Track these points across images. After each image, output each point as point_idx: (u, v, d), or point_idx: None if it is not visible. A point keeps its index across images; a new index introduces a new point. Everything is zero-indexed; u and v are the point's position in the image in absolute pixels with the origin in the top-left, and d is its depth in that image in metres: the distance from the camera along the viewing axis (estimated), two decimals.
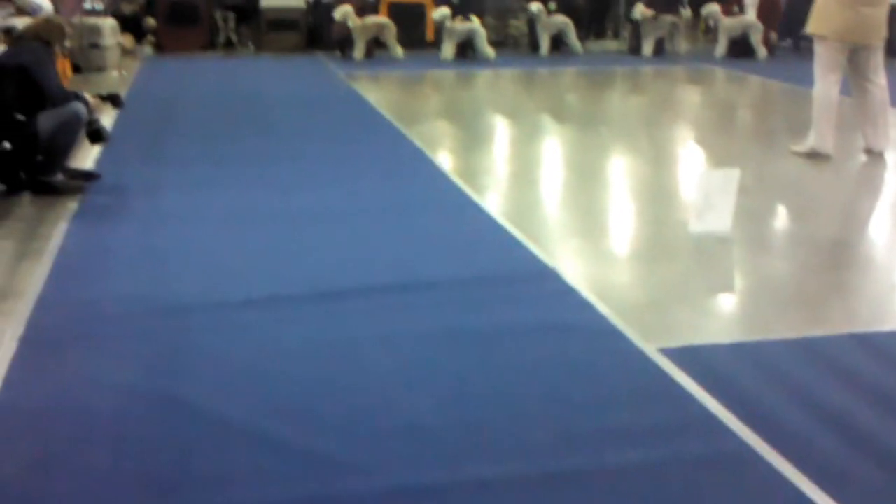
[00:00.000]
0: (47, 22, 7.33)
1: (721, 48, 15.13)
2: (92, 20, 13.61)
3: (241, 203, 6.73)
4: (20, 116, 6.75)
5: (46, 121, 6.75)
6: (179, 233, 6.04)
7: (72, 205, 6.63)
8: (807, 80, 8.49)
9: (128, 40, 15.00)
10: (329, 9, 15.15)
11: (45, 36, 7.01)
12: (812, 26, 8.19)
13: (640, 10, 15.28)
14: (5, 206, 6.61)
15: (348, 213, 6.49)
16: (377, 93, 11.85)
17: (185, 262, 5.48)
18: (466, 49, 15.00)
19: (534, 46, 15.76)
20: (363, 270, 5.32)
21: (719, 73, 14.02)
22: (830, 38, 8.01)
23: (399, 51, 14.84)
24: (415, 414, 3.72)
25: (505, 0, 17.00)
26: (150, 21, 15.76)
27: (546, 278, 5.24)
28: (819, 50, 8.16)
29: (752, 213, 6.47)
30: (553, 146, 9.29)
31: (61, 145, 6.88)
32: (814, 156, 8.17)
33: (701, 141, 9.39)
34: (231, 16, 16.36)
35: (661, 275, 5.43)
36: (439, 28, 14.91)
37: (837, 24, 7.95)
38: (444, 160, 8.19)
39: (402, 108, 10.70)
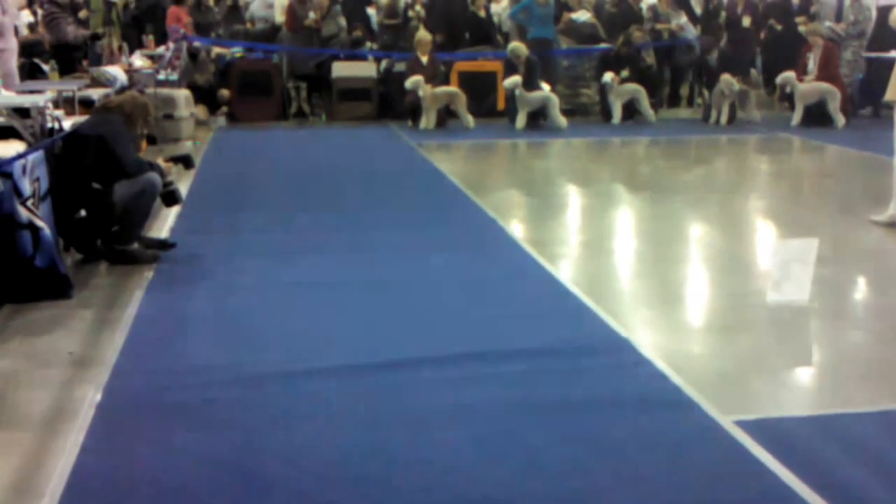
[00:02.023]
0: (133, 98, 7.49)
1: (797, 116, 14.94)
2: (166, 91, 13.86)
3: (314, 272, 6.77)
4: (97, 185, 6.88)
5: (122, 190, 6.87)
6: (254, 302, 6.08)
7: (148, 273, 6.72)
8: (886, 148, 8.37)
9: (202, 111, 15.24)
10: (400, 78, 15.32)
11: (127, 110, 7.15)
12: (891, 93, 8.09)
13: (727, 82, 15.08)
14: (83, 275, 6.72)
15: (421, 283, 6.51)
16: (449, 162, 11.90)
17: (260, 332, 5.52)
18: (538, 118, 15.03)
19: (605, 115, 15.76)
20: (436, 340, 5.31)
21: (795, 141, 13.86)
22: None
23: (470, 120, 14.92)
24: (489, 485, 3.70)
25: (576, 68, 17.04)
26: (224, 92, 16.03)
27: (620, 349, 5.20)
28: None
29: (830, 283, 6.37)
30: (626, 215, 9.25)
31: (137, 214, 7.00)
32: (894, 225, 8.03)
33: (777, 210, 9.30)
34: (303, 86, 16.57)
35: (736, 346, 5.37)
36: (510, 96, 14.97)
37: None
38: (517, 229, 8.19)
39: (474, 177, 10.73)
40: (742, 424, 4.18)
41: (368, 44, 17.18)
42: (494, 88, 15.93)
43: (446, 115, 15.15)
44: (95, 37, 13.69)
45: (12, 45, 11.32)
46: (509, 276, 6.68)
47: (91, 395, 4.58)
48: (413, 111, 15.08)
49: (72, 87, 10.48)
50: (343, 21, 16.95)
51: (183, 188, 8.43)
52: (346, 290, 6.33)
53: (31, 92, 9.19)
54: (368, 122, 15.80)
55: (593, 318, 5.73)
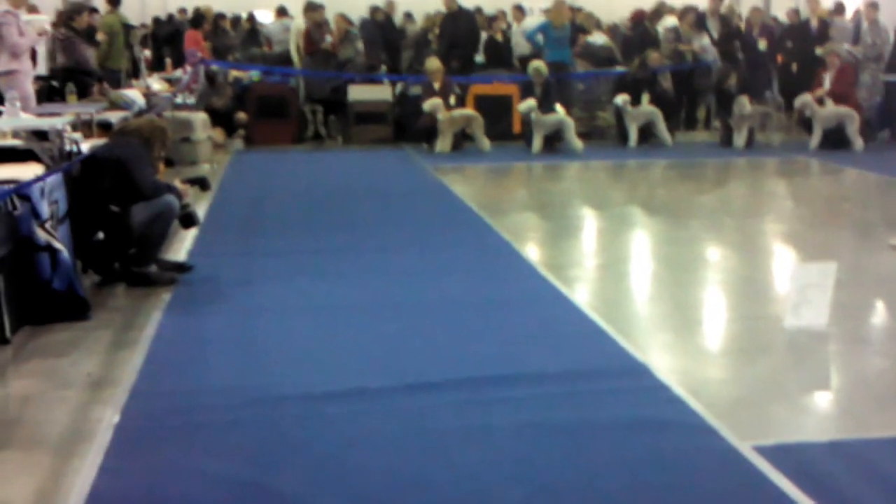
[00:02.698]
0: (151, 122, 7.56)
1: (816, 139, 14.88)
2: (183, 114, 13.92)
3: (330, 295, 6.79)
4: (115, 208, 6.92)
5: (140, 212, 6.91)
6: (270, 324, 6.10)
7: (165, 295, 6.74)
8: None
9: (219, 134, 15.29)
10: (416, 101, 15.36)
11: (146, 134, 7.19)
12: None
13: (741, 104, 15.04)
14: (101, 297, 6.74)
15: (435, 306, 6.50)
16: (464, 185, 11.91)
17: (276, 353, 5.53)
18: (553, 141, 15.02)
19: (622, 138, 15.73)
20: (451, 363, 5.31)
21: (813, 164, 13.81)
22: None
23: (486, 143, 14.94)
24: None
25: (592, 91, 17.04)
26: (241, 115, 16.10)
27: (637, 373, 5.18)
28: None
29: (848, 307, 6.34)
30: (642, 238, 9.24)
31: (154, 237, 7.03)
32: None
33: (795, 234, 9.27)
34: (319, 109, 16.64)
35: (754, 370, 5.35)
36: (526, 120, 14.97)
37: None
38: (532, 252, 8.18)
39: (489, 200, 10.74)
40: (760, 450, 4.17)
41: (384, 67, 17.26)
42: (509, 111, 15.94)
43: (462, 138, 15.18)
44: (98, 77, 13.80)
45: (27, 66, 11.42)
46: (525, 300, 6.67)
47: (109, 416, 4.59)
48: (428, 134, 15.10)
49: (90, 110, 10.53)
50: (360, 45, 17.02)
51: (200, 211, 8.48)
52: (363, 312, 6.33)
53: (50, 115, 9.24)
54: (384, 145, 15.84)
55: (610, 341, 5.72)
